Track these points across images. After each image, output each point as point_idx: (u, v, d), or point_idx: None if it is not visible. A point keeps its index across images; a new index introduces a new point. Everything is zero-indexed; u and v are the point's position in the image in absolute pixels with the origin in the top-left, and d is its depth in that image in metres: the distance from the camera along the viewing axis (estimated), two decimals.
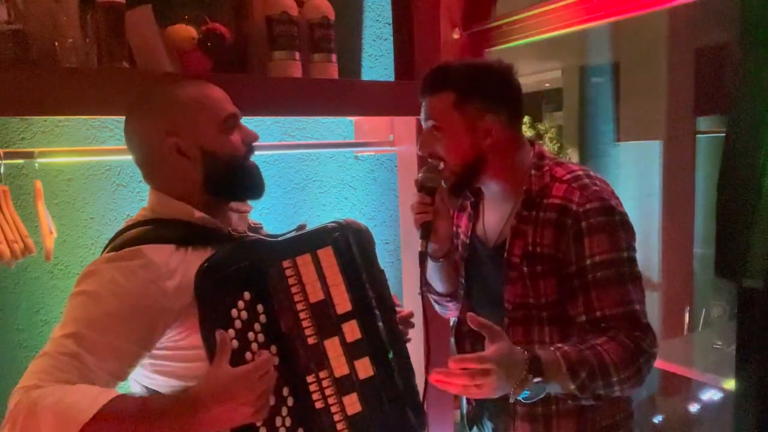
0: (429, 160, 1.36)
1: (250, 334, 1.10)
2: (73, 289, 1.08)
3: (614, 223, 1.23)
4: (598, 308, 1.20)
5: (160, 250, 1.10)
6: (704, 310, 3.66)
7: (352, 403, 1.16)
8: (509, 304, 1.30)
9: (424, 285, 1.55)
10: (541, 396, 1.14)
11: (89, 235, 1.75)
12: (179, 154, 1.15)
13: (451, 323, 1.91)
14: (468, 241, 1.45)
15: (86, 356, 0.99)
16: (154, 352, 1.10)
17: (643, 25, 3.67)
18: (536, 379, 1.10)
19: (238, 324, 1.09)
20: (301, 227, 1.25)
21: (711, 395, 3.10)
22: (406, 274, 2.12)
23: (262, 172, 1.24)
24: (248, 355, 1.08)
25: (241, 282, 1.11)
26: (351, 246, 1.23)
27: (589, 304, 1.21)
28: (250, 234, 1.22)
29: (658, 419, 3.15)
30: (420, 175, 1.35)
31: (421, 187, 1.35)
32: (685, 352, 3.18)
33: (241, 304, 1.10)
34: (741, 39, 1.57)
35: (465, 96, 1.29)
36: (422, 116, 1.36)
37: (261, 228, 1.32)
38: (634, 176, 3.80)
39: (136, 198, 1.80)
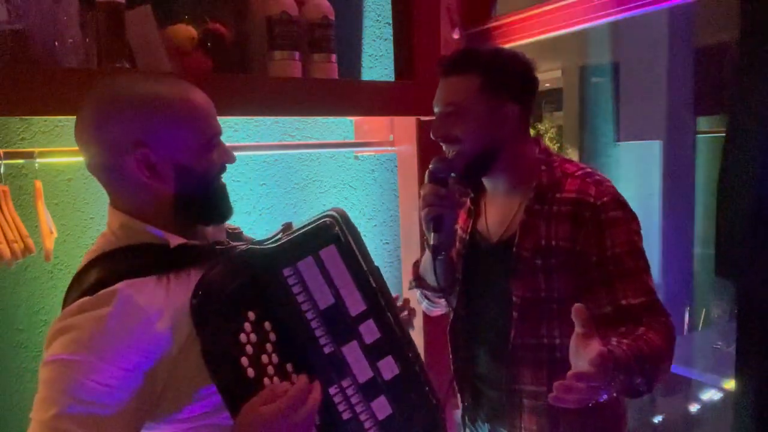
0: (442, 144, 1.33)
1: (264, 357, 0.99)
2: (47, 348, 0.91)
3: (629, 217, 1.25)
4: (623, 298, 1.20)
5: (140, 286, 0.95)
6: (704, 310, 3.67)
7: (382, 407, 1.08)
8: (518, 299, 1.30)
9: (416, 279, 1.54)
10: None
11: (89, 235, 1.75)
12: (147, 168, 0.98)
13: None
14: (467, 237, 1.44)
15: None
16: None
17: (643, 25, 3.67)
18: (620, 377, 1.04)
19: (249, 350, 0.97)
20: (288, 227, 1.14)
21: (711, 395, 3.10)
22: (406, 274, 2.12)
23: (228, 193, 1.11)
24: (266, 380, 0.98)
25: (242, 302, 1.00)
26: (349, 239, 1.13)
27: (613, 294, 1.21)
28: (238, 244, 1.10)
29: (658, 419, 3.15)
30: (431, 165, 1.33)
31: (433, 178, 1.32)
32: (685, 352, 3.18)
33: (247, 326, 0.98)
34: (741, 39, 1.57)
35: (491, 81, 1.28)
36: (439, 97, 1.33)
37: (241, 233, 1.21)
38: (634, 176, 3.80)
39: None
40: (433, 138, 1.34)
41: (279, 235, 1.12)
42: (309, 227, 1.11)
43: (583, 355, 0.99)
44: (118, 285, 0.93)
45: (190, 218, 1.05)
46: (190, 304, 0.96)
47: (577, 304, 1.04)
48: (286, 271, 1.05)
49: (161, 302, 0.96)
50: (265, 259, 1.06)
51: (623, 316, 1.19)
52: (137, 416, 0.92)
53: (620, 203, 1.25)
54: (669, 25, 3.60)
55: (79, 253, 1.73)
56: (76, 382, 0.87)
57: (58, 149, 1.66)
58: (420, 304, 1.59)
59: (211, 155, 1.03)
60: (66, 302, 0.98)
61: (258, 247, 1.08)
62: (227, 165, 1.08)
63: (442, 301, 1.52)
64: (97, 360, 0.88)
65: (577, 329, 1.02)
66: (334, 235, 1.10)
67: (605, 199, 1.24)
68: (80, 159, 1.71)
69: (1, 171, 1.47)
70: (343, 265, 1.10)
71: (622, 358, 1.05)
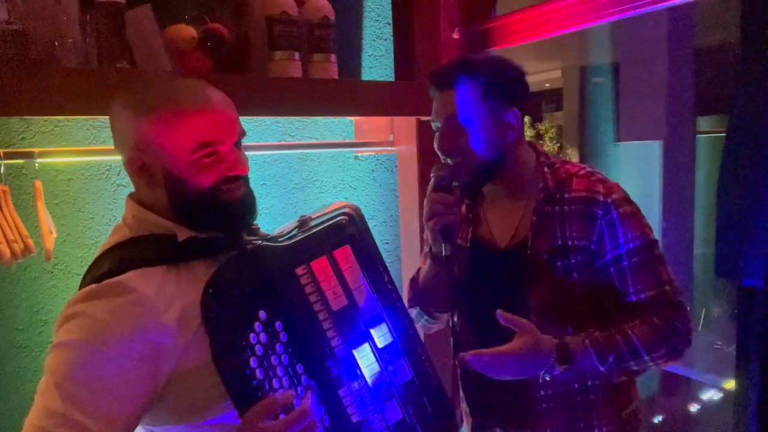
0: (445, 158, 1.30)
1: (274, 358, 0.98)
2: (55, 335, 0.92)
3: (638, 211, 1.28)
4: (633, 293, 1.25)
5: (148, 276, 0.94)
6: (704, 310, 3.67)
7: (392, 411, 1.07)
8: (536, 301, 1.28)
9: (416, 297, 1.46)
10: (572, 377, 1.26)
11: (89, 235, 1.75)
12: (143, 171, 0.99)
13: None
14: (468, 245, 1.41)
15: (87, 423, 0.85)
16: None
17: (643, 25, 3.67)
18: (563, 367, 1.18)
19: (259, 350, 0.96)
20: (303, 222, 1.12)
21: (711, 395, 3.10)
22: (406, 275, 2.12)
23: (251, 203, 1.06)
24: (275, 382, 0.97)
25: (254, 301, 0.99)
26: (365, 238, 1.11)
27: (628, 288, 1.25)
28: (251, 239, 1.08)
29: (658, 419, 3.15)
30: (436, 173, 1.28)
31: (440, 186, 1.27)
32: (685, 352, 3.18)
33: (258, 326, 0.97)
34: (741, 39, 1.57)
35: (490, 89, 1.27)
36: (439, 112, 1.30)
37: (258, 229, 1.18)
38: (634, 176, 3.80)
39: None
40: (440, 153, 1.30)
41: (294, 231, 1.10)
42: (324, 226, 1.09)
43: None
44: (125, 276, 0.93)
45: (195, 223, 1.02)
46: (201, 301, 0.95)
47: (498, 311, 1.17)
48: (299, 270, 1.04)
49: (170, 293, 0.95)
50: (278, 257, 1.04)
51: (630, 309, 1.25)
52: (138, 406, 0.91)
53: (629, 199, 1.29)
54: (669, 25, 3.60)
55: (79, 253, 1.73)
56: (78, 367, 0.87)
57: (58, 149, 1.66)
58: (417, 323, 1.50)
59: (207, 164, 0.98)
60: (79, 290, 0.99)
61: (272, 244, 1.07)
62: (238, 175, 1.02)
63: (444, 316, 1.47)
64: (100, 346, 0.88)
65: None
66: (349, 235, 1.09)
67: (614, 195, 1.26)
68: (80, 159, 1.72)
69: (1, 171, 1.47)
70: (357, 266, 1.08)
71: (579, 349, 1.19)
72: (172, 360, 0.94)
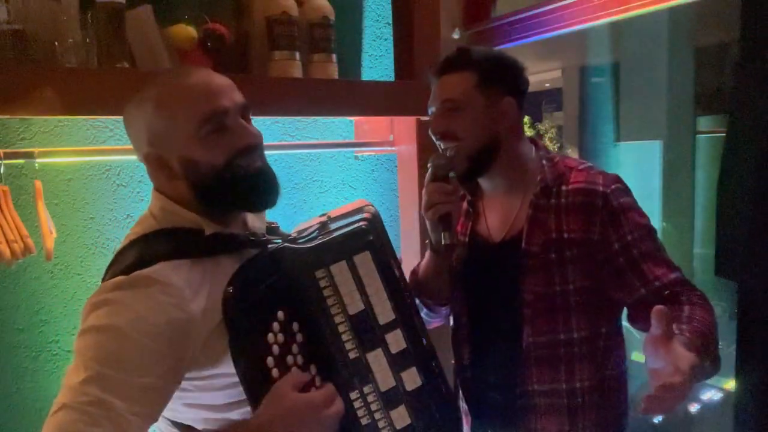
0: (439, 146, 1.32)
1: (289, 358, 1.01)
2: (83, 322, 0.95)
3: (635, 200, 1.29)
4: (655, 279, 1.22)
5: (175, 268, 0.96)
6: None
7: (401, 416, 1.09)
8: (530, 295, 1.28)
9: (416, 289, 1.44)
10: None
11: (89, 235, 1.74)
12: (161, 165, 1.02)
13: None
14: (466, 240, 1.42)
15: (114, 401, 0.86)
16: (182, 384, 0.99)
17: (643, 25, 3.67)
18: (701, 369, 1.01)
19: (276, 350, 0.99)
20: (324, 224, 1.14)
21: (711, 395, 3.10)
22: (406, 275, 2.11)
23: (271, 176, 1.07)
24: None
25: (273, 300, 1.01)
26: (384, 245, 1.13)
27: (644, 277, 1.22)
28: (272, 237, 1.10)
29: (658, 419, 3.14)
30: (433, 162, 1.30)
31: (437, 175, 1.29)
32: None
33: (276, 326, 1.00)
34: (741, 39, 1.57)
35: (487, 77, 1.30)
36: (436, 96, 1.33)
37: (278, 228, 1.20)
38: (634, 176, 3.80)
39: (136, 198, 1.80)
40: (432, 134, 1.33)
41: (315, 233, 1.12)
42: (345, 231, 1.11)
43: (664, 357, 0.94)
44: (154, 267, 0.95)
45: (219, 206, 1.04)
46: (222, 299, 0.97)
47: (657, 306, 0.96)
48: (319, 273, 1.06)
49: (197, 285, 0.97)
50: (299, 258, 1.06)
51: (660, 295, 1.20)
52: (162, 391, 0.93)
53: (627, 189, 1.29)
54: (669, 25, 3.60)
55: (79, 253, 1.73)
56: (107, 350, 0.89)
57: (58, 149, 1.66)
58: None
59: (213, 142, 0.99)
60: (104, 279, 1.01)
61: (293, 246, 1.09)
62: (255, 145, 1.03)
63: (443, 309, 1.48)
64: (128, 331, 0.90)
65: (655, 331, 0.95)
66: (369, 241, 1.10)
67: (613, 186, 1.26)
68: (80, 159, 1.72)
69: (1, 171, 1.47)
70: (376, 272, 1.10)
71: (696, 349, 1.00)
72: (197, 346, 0.96)
